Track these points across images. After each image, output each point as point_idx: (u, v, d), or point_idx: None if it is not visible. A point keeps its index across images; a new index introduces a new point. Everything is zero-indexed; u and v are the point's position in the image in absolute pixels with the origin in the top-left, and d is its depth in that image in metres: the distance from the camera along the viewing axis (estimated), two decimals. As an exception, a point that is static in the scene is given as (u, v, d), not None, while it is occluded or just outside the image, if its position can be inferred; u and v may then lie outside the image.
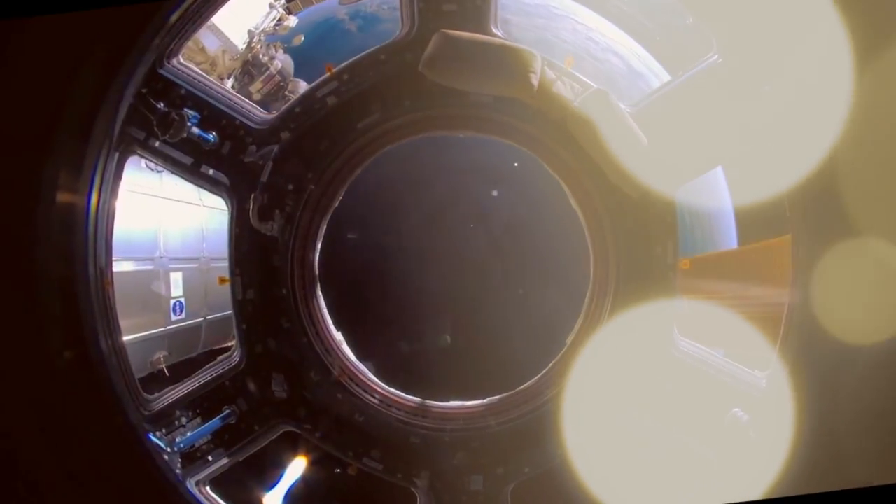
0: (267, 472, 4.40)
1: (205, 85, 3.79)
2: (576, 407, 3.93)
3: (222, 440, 3.96)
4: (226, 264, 3.99)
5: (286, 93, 7.16)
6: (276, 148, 3.82)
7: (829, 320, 2.98)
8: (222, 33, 7.25)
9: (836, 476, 2.81)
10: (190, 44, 6.09)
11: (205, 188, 4.03)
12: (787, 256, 3.25)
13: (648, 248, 3.82)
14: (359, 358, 4.24)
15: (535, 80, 3.54)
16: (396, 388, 4.20)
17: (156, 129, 3.60)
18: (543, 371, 4.12)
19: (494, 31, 3.71)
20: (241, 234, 3.90)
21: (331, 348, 4.11)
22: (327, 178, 3.92)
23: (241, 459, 4.04)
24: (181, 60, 3.72)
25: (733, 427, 3.45)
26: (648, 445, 3.82)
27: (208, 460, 3.91)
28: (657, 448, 3.82)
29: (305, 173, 3.87)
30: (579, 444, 3.91)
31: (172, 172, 4.00)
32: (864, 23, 2.63)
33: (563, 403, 3.97)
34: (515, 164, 5.93)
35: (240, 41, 7.28)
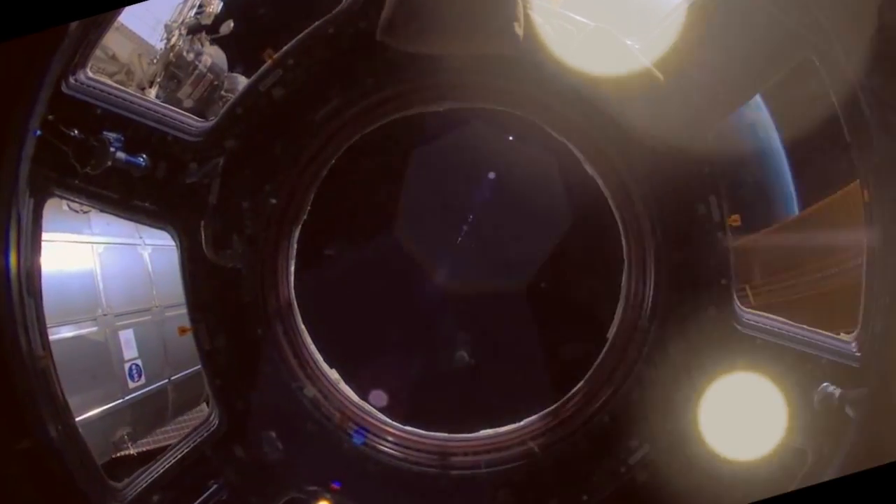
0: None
1: (123, 99, 3.75)
2: (633, 411, 3.91)
3: (214, 522, 3.94)
4: (184, 310, 3.96)
5: (223, 93, 7.14)
6: (221, 161, 3.80)
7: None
8: (134, 34, 7.23)
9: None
10: (98, 52, 6.06)
11: (144, 223, 4.00)
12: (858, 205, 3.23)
13: (688, 208, 3.79)
14: (362, 397, 4.22)
15: (518, 29, 3.52)
16: (413, 426, 4.19)
17: (73, 161, 3.56)
18: (586, 376, 4.10)
19: (461, -23, 3.69)
20: (197, 271, 3.87)
21: (326, 390, 4.08)
22: (289, 186, 3.89)
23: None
24: (90, 74, 3.68)
25: (825, 405, 3.44)
26: (728, 442, 3.80)
27: (201, 550, 3.89)
28: (738, 445, 3.80)
29: (262, 185, 3.84)
30: (645, 454, 3.89)
31: (102, 211, 3.97)
32: None
33: (617, 410, 3.95)
34: (511, 138, 5.90)
35: (156, 40, 7.26)
